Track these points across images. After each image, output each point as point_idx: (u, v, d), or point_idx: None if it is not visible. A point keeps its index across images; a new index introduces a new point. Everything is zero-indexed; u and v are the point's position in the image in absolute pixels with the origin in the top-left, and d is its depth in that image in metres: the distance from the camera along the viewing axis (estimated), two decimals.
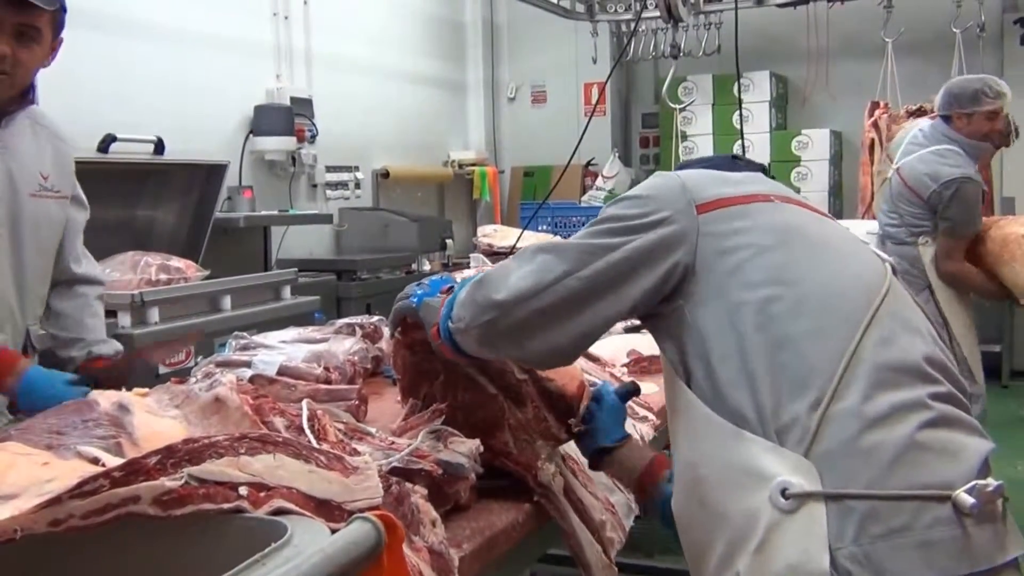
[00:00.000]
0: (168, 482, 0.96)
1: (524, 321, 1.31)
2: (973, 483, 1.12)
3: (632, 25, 6.28)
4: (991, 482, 1.14)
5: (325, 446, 1.26)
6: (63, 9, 1.98)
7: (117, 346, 2.30)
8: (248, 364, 2.02)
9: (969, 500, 1.11)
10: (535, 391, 1.58)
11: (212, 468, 1.00)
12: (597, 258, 1.29)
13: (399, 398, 1.82)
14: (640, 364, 2.47)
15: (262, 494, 1.02)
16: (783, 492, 1.13)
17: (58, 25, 1.98)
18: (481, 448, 1.47)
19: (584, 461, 1.70)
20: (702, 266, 1.27)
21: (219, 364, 2.08)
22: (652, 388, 2.35)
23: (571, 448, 1.69)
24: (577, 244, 1.33)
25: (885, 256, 1.38)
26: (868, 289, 1.26)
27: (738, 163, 1.46)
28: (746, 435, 1.18)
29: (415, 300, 1.54)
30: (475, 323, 1.34)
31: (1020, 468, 4.50)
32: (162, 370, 3.34)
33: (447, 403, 1.58)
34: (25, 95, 2.04)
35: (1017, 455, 4.64)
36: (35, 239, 2.10)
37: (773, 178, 1.52)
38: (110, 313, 3.25)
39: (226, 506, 0.99)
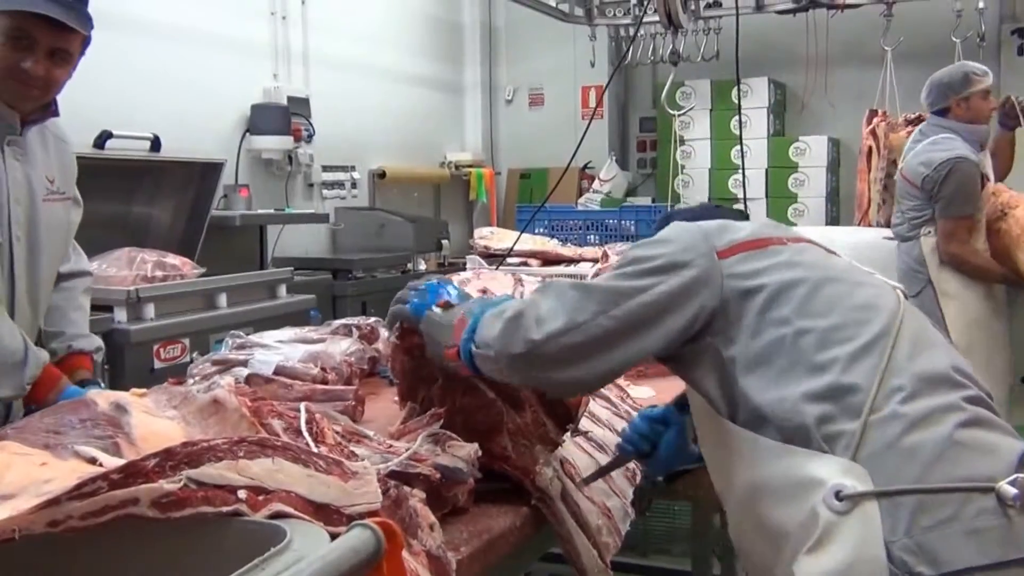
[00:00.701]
0: (167, 484, 0.95)
1: (555, 355, 1.34)
2: (1015, 476, 1.18)
3: (632, 31, 6.28)
4: None
5: (323, 449, 1.25)
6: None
7: (98, 341, 2.31)
8: (244, 363, 2.02)
9: (1012, 491, 1.17)
10: (534, 396, 1.58)
11: (211, 471, 1.00)
12: (629, 299, 1.34)
13: (396, 398, 1.81)
14: (637, 368, 2.46)
15: (261, 497, 1.01)
16: (837, 494, 1.18)
17: (85, 45, 2.03)
18: (479, 452, 1.47)
19: (581, 465, 1.70)
20: (730, 306, 1.33)
21: (215, 362, 2.08)
22: (648, 392, 2.35)
23: (569, 452, 1.69)
24: (607, 286, 1.37)
25: (895, 283, 1.46)
26: (887, 313, 1.34)
27: (720, 209, 1.51)
28: (794, 449, 1.24)
29: (411, 307, 1.57)
30: (504, 353, 1.37)
31: None
32: (158, 365, 3.34)
33: (446, 407, 1.58)
34: (47, 107, 2.08)
35: None
36: (48, 243, 2.12)
37: (747, 217, 1.60)
38: (106, 308, 3.25)
39: (225, 509, 0.99)
